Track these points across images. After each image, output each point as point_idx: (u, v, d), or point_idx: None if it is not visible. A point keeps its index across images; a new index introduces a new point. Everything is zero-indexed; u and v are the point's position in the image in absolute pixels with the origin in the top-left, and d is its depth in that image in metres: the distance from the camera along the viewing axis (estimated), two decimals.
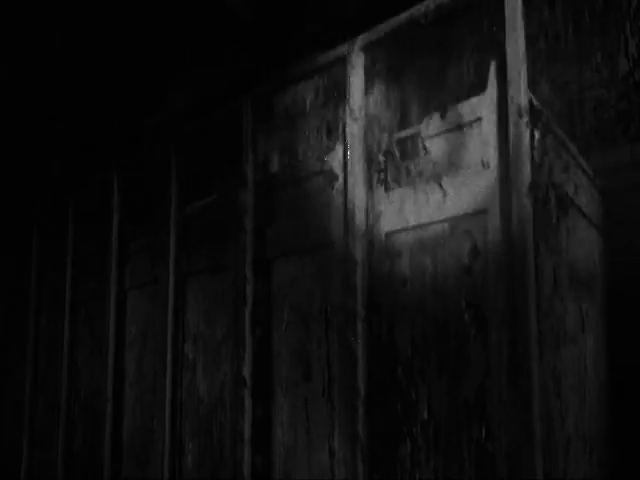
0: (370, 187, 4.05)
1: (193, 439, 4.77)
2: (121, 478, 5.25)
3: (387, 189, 3.97)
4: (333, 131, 4.34)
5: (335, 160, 4.15)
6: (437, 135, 3.80)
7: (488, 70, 3.88)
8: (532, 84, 4.92)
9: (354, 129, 4.12)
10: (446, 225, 3.65)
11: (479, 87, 4.10)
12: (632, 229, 4.49)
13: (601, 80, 4.84)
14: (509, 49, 3.62)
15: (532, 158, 3.35)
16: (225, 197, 4.78)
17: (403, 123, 4.23)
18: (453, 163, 3.69)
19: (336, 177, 4.18)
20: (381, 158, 4.05)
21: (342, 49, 4.26)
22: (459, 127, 3.79)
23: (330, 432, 4.06)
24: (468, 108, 3.75)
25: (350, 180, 4.10)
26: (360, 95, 4.16)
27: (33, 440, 6.28)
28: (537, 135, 3.43)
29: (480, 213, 3.50)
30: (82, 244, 6.04)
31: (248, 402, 4.35)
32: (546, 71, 4.87)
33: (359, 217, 4.03)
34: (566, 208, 3.77)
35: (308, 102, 4.50)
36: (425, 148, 3.89)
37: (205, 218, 4.92)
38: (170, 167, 5.13)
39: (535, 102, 3.42)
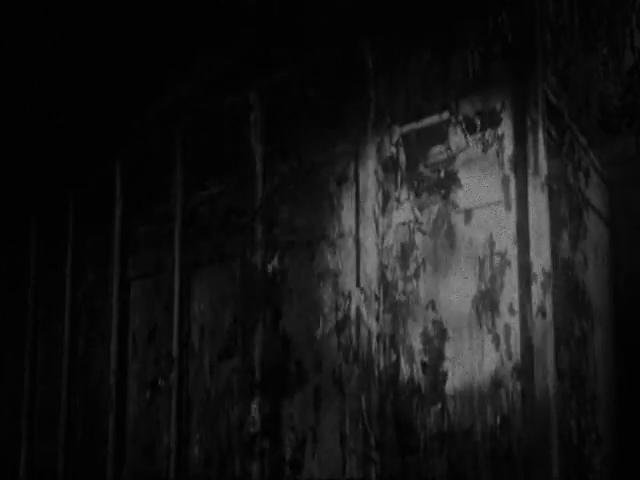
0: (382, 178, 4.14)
1: (199, 429, 4.86)
2: (125, 470, 5.32)
3: (400, 180, 4.07)
4: (342, 122, 4.42)
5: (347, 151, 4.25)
6: (452, 127, 3.90)
7: (495, 64, 4.00)
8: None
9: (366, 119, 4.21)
10: (461, 216, 3.76)
11: (487, 80, 4.16)
12: (638, 220, 4.63)
13: (607, 73, 4.96)
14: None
15: (548, 152, 3.47)
16: (234, 187, 4.86)
17: (413, 115, 4.31)
18: (468, 156, 3.79)
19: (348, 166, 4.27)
20: (393, 149, 4.15)
21: (352, 40, 4.34)
22: (472, 120, 3.90)
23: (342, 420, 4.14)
24: (480, 103, 3.86)
25: (362, 172, 4.19)
26: (372, 86, 4.24)
27: (32, 432, 6.33)
28: (553, 130, 3.55)
29: (496, 205, 3.61)
30: (83, 233, 6.06)
31: (257, 392, 4.45)
32: (552, 63, 4.97)
33: (370, 207, 4.13)
34: (578, 200, 3.89)
35: (313, 93, 4.57)
36: (438, 141, 3.99)
37: (212, 207, 4.99)
38: (175, 157, 5.19)
39: (552, 98, 3.53)
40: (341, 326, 4.21)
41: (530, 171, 3.47)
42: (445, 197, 3.86)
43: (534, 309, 3.37)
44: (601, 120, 4.96)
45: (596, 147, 4.57)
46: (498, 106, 3.74)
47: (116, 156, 5.70)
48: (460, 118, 3.94)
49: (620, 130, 4.78)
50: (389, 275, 4.03)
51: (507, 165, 3.58)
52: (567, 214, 3.71)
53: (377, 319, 4.00)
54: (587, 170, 4.20)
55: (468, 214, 3.75)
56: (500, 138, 3.69)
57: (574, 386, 3.60)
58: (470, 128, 3.90)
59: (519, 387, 3.36)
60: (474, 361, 3.58)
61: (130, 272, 5.55)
